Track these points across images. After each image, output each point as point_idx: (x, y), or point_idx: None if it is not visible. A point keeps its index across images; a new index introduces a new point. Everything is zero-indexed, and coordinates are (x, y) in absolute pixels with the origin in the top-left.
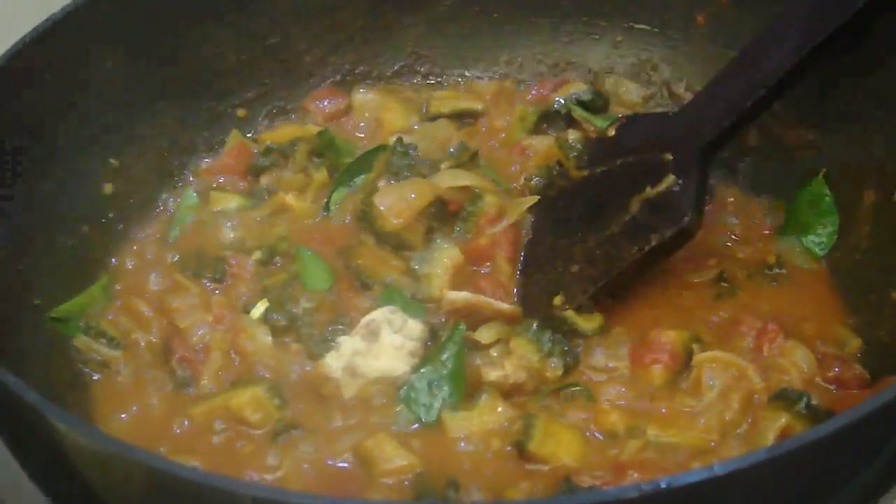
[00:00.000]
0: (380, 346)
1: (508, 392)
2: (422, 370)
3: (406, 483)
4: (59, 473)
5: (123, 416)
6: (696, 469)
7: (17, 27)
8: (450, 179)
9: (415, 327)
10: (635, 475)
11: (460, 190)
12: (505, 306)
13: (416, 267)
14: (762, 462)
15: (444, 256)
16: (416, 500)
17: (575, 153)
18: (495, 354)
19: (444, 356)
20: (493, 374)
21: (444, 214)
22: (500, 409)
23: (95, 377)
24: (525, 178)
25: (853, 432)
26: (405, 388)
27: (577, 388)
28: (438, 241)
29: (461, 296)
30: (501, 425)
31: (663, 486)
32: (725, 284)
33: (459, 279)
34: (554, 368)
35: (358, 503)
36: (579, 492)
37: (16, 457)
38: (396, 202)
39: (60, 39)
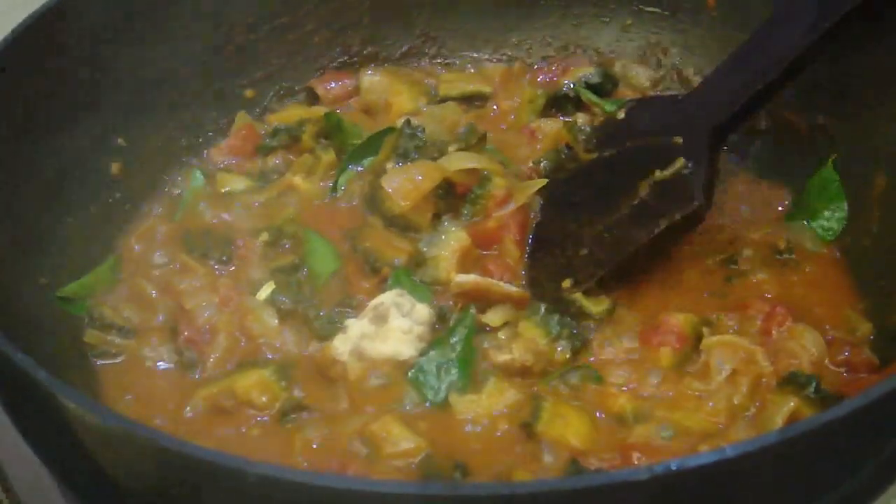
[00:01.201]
0: (388, 330)
1: (516, 375)
2: (431, 353)
3: (413, 465)
4: (67, 453)
5: (130, 397)
6: (706, 451)
7: (22, 6)
8: (458, 162)
9: (423, 311)
10: (643, 458)
11: (468, 172)
12: (513, 289)
13: (424, 249)
14: (773, 445)
15: (452, 239)
16: (424, 482)
17: (584, 136)
18: (503, 337)
19: (454, 339)
20: (500, 357)
21: (451, 197)
22: (507, 391)
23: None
24: (534, 162)
25: (863, 416)
26: (414, 369)
27: (586, 370)
28: (446, 223)
29: (469, 279)
30: (509, 408)
31: (674, 467)
32: (735, 268)
33: (467, 262)
34: (562, 352)
35: (363, 482)
36: (590, 474)
37: (23, 436)
38: (404, 184)
39: (66, 20)
